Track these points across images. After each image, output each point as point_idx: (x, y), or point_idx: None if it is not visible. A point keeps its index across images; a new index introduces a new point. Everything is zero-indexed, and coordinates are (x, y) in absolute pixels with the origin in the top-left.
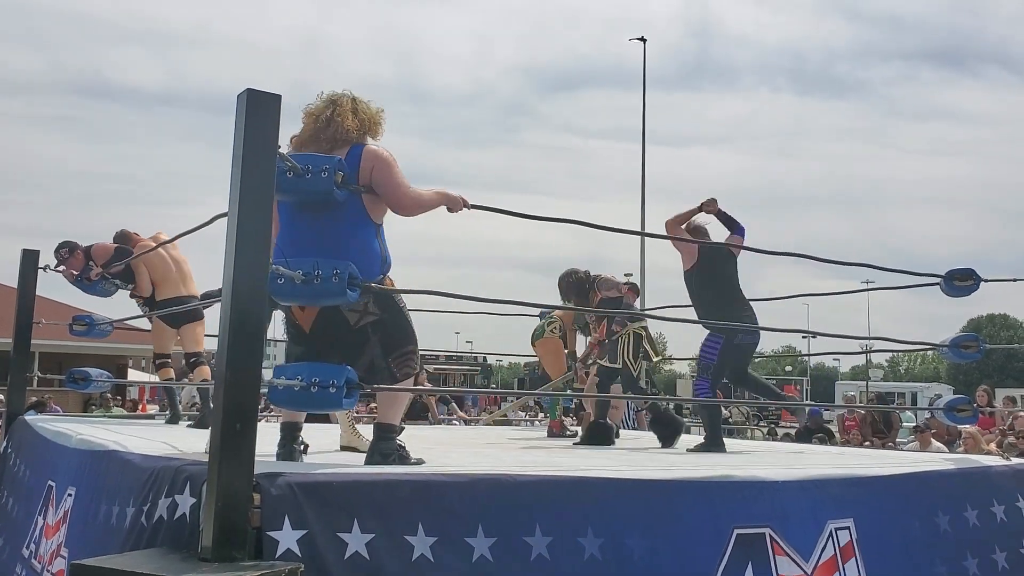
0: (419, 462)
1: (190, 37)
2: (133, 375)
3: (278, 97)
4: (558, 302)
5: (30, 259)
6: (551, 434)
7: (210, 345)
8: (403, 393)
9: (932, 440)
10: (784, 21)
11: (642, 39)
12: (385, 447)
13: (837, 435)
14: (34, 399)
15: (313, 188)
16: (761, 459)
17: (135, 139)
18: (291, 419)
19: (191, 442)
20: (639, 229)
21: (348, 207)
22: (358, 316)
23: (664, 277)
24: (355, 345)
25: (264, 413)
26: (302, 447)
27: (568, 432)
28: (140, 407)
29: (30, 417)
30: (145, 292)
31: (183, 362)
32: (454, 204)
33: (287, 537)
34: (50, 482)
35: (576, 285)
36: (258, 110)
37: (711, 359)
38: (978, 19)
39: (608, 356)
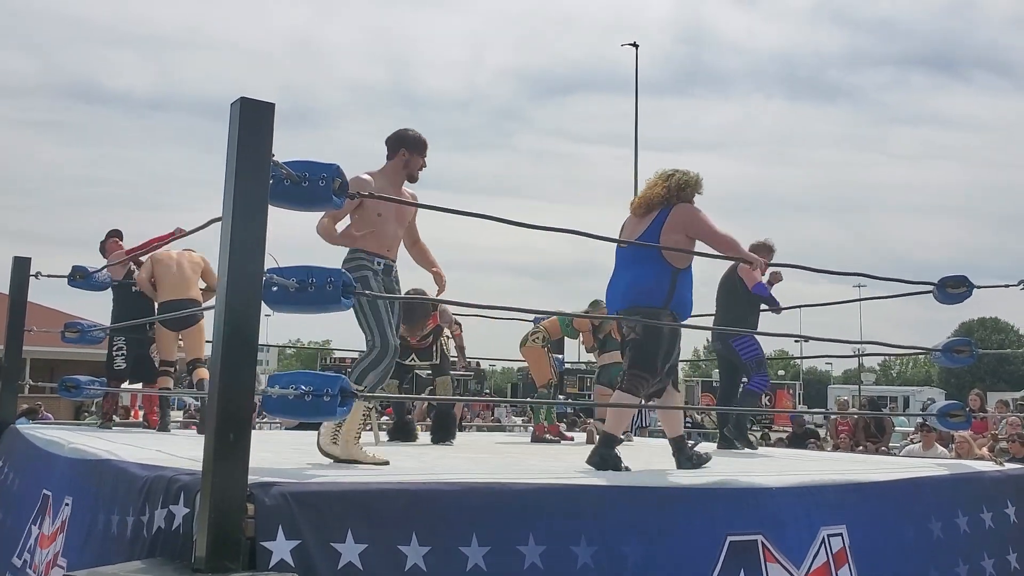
0: (627, 469)
1: (182, 41)
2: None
3: (271, 105)
4: (551, 307)
5: (21, 266)
6: (534, 439)
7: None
8: (628, 409)
9: (934, 443)
10: (776, 27)
11: (634, 45)
12: (605, 453)
13: (828, 438)
14: (25, 406)
15: (310, 197)
16: (754, 465)
17: (127, 143)
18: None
19: (184, 449)
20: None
21: (650, 255)
22: (628, 331)
23: None
24: (624, 354)
25: (258, 420)
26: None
27: (549, 438)
28: (132, 414)
29: (22, 425)
30: (143, 287)
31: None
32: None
33: (281, 547)
34: (45, 491)
35: None
36: (252, 118)
37: (758, 352)
38: (968, 24)
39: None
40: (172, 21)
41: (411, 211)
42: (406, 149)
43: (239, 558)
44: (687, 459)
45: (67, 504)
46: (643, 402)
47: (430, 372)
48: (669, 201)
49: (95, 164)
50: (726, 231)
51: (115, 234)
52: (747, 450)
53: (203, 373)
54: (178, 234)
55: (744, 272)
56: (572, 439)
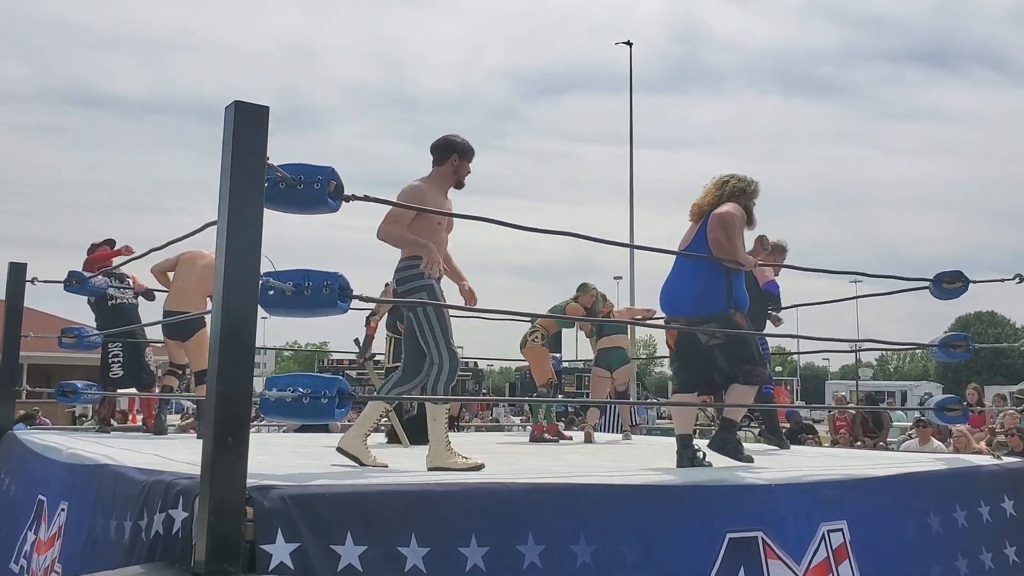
0: (749, 459)
1: (178, 44)
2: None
3: (266, 108)
4: (549, 307)
5: (17, 272)
6: (533, 438)
7: None
8: (746, 399)
9: (931, 437)
10: (769, 24)
11: (628, 43)
12: (727, 437)
13: (828, 434)
14: (23, 412)
15: (305, 199)
16: (753, 462)
17: (125, 147)
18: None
19: (182, 453)
20: (628, 232)
21: (704, 260)
22: (707, 338)
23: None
24: (706, 359)
25: (255, 423)
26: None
27: (548, 437)
28: (130, 418)
29: (19, 431)
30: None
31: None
32: None
33: (280, 550)
34: (41, 496)
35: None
36: (246, 122)
37: (768, 350)
38: (961, 19)
39: None
40: (167, 24)
41: (454, 219)
42: (457, 155)
43: (238, 561)
44: (688, 459)
45: (63, 510)
46: (646, 398)
47: None
48: (718, 207)
49: (93, 168)
50: (735, 244)
51: (107, 243)
52: (783, 449)
53: (199, 390)
54: (125, 252)
55: (756, 270)
56: (571, 438)
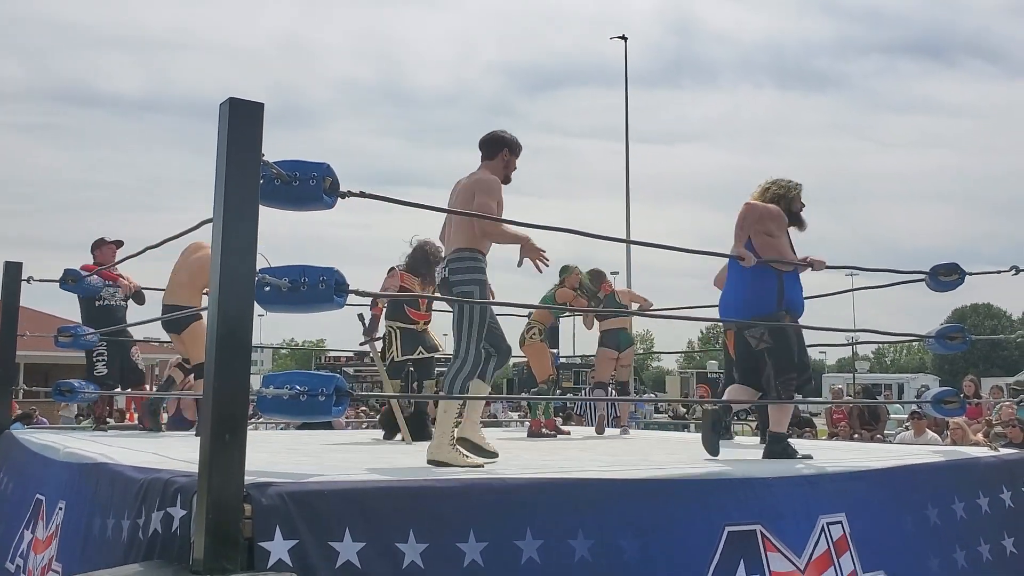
0: (807, 456)
1: (172, 42)
2: None
3: (260, 105)
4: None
5: (13, 271)
6: (531, 434)
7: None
8: (788, 407)
9: (926, 429)
10: (763, 17)
11: (623, 38)
12: (778, 448)
13: (825, 427)
14: (20, 412)
15: (301, 196)
16: (751, 456)
17: (121, 145)
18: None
19: (179, 451)
20: (624, 227)
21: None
22: (756, 342)
23: (649, 275)
24: (756, 364)
25: (253, 420)
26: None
27: (546, 432)
28: (128, 417)
29: (16, 430)
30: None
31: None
32: None
33: (278, 547)
34: (38, 495)
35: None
36: (241, 119)
37: None
38: (955, 11)
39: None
40: (163, 23)
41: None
42: (507, 150)
43: (237, 559)
44: (778, 453)
45: (61, 508)
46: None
47: (412, 369)
48: None
49: (90, 167)
50: (739, 236)
51: (115, 243)
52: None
53: (196, 385)
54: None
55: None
56: (569, 433)
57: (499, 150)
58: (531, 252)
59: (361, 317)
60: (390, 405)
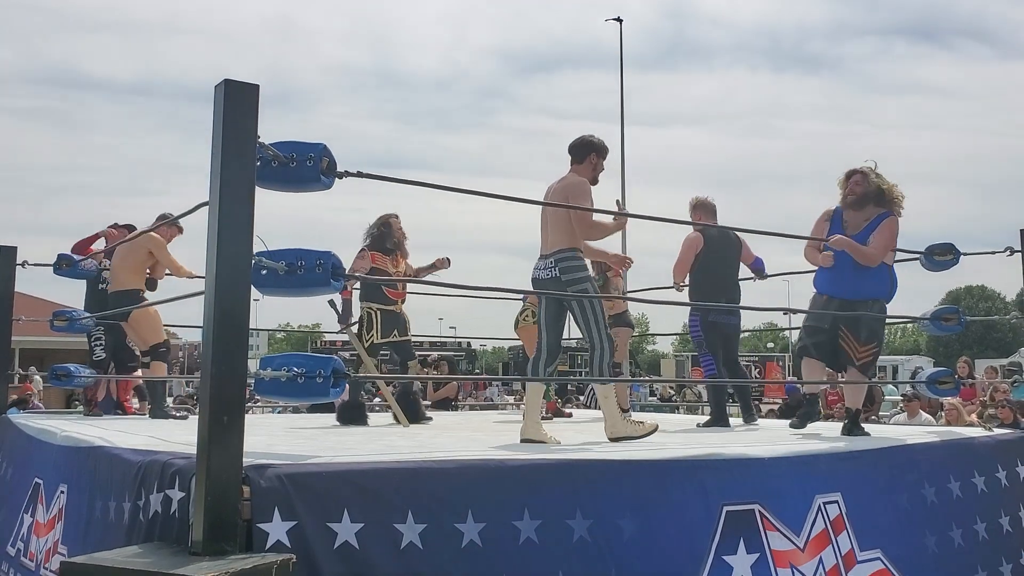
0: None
1: (162, 25)
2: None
3: (256, 87)
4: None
5: (7, 256)
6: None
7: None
8: (860, 387)
9: (919, 411)
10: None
11: (618, 20)
12: (854, 427)
13: (821, 410)
14: (15, 396)
15: (298, 177)
16: (747, 436)
17: (111, 130)
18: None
19: (176, 434)
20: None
21: None
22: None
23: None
24: (833, 340)
25: (251, 404)
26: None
27: (545, 415)
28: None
29: (13, 415)
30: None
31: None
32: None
33: (277, 529)
34: (37, 479)
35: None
36: (236, 100)
37: (697, 336)
38: None
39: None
40: (151, 6)
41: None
42: (595, 154)
43: (236, 540)
44: (850, 431)
45: (62, 492)
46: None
47: (386, 353)
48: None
49: (80, 151)
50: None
51: (126, 227)
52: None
53: (154, 367)
54: (109, 236)
55: (746, 246)
56: (570, 415)
57: (587, 154)
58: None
59: (332, 303)
60: (381, 389)
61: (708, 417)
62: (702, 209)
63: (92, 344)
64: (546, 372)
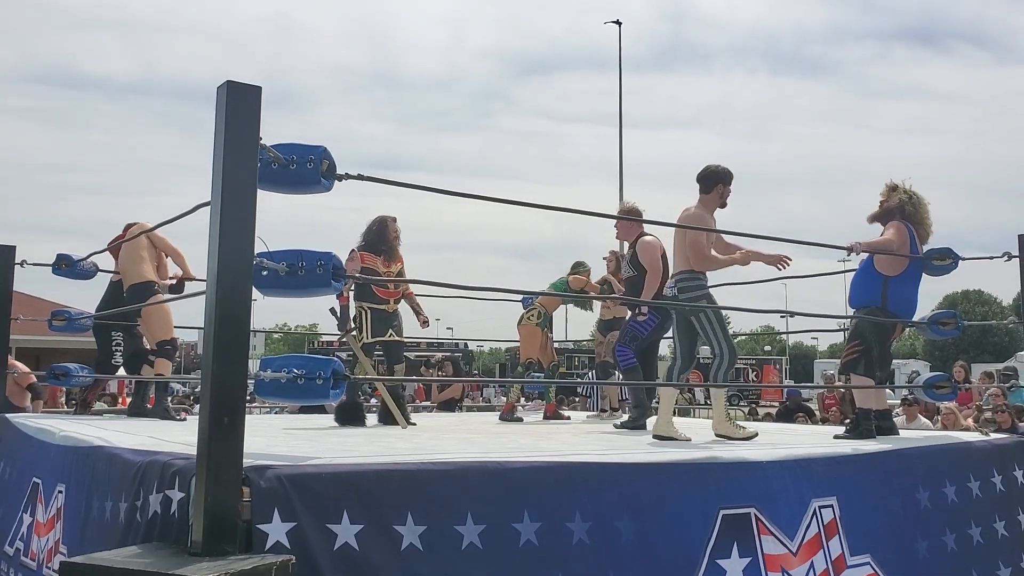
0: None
1: (161, 24)
2: None
3: (258, 89)
4: (539, 287)
5: (6, 254)
6: (547, 417)
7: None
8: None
9: (918, 415)
10: (756, 2)
11: (617, 22)
12: (866, 425)
13: (817, 413)
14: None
15: (299, 179)
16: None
17: (109, 129)
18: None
19: (176, 434)
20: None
21: (866, 266)
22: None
23: None
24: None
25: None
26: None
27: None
28: (120, 401)
29: (11, 414)
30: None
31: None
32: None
33: (276, 529)
34: (35, 479)
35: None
36: (239, 102)
37: (642, 332)
38: None
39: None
40: (150, 5)
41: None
42: (722, 184)
43: (235, 541)
44: (858, 432)
45: (60, 491)
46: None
47: (380, 352)
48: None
49: (77, 150)
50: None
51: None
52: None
53: (159, 364)
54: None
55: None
56: (569, 418)
57: (714, 184)
58: (776, 259)
59: (333, 311)
60: (382, 391)
61: (634, 414)
62: (636, 215)
63: (112, 347)
64: (679, 378)
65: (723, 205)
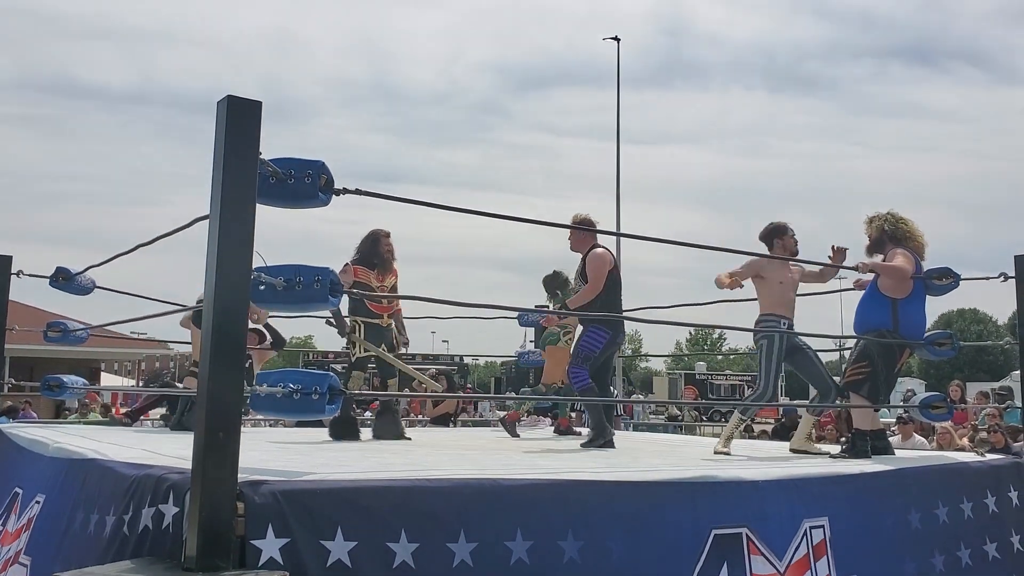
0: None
1: (159, 34)
2: (106, 379)
3: (259, 104)
4: (536, 302)
5: (3, 265)
6: (559, 431)
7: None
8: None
9: (913, 434)
10: (755, 19)
11: (616, 39)
12: (862, 445)
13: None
14: (8, 404)
15: (297, 193)
16: (738, 458)
17: (106, 138)
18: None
19: (170, 448)
20: (615, 226)
21: (871, 290)
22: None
23: (640, 275)
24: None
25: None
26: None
27: (518, 428)
28: (114, 411)
29: (2, 424)
30: None
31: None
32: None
33: (270, 545)
34: (17, 489)
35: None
36: (239, 116)
37: (594, 349)
38: (946, 16)
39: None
40: (149, 14)
41: (797, 276)
42: (778, 238)
43: (229, 556)
44: (855, 451)
45: (37, 502)
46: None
47: (375, 366)
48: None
49: (74, 160)
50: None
51: None
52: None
53: (187, 381)
54: None
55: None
56: (580, 434)
57: (773, 239)
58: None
59: (329, 322)
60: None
61: (592, 434)
62: (590, 226)
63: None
64: (753, 408)
65: (793, 252)
